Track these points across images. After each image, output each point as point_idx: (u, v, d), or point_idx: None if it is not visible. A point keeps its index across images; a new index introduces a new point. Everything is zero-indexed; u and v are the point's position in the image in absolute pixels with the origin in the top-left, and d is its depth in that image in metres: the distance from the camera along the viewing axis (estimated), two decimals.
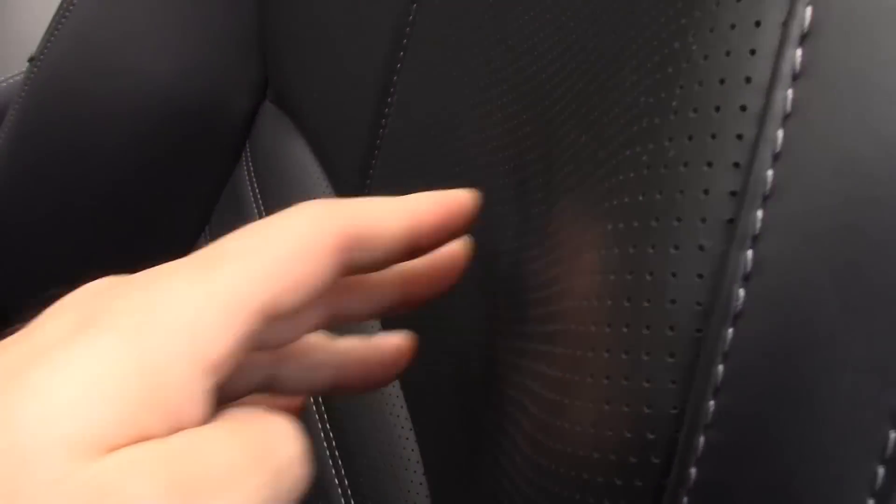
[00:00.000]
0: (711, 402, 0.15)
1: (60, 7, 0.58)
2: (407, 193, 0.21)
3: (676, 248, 0.16)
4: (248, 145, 0.59)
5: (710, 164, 0.16)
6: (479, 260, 0.24)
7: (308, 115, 0.50)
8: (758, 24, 0.16)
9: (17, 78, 0.64)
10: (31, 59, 0.60)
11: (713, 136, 0.16)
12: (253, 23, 0.56)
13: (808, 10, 0.16)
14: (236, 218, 0.57)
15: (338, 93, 0.45)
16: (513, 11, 0.27)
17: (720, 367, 0.15)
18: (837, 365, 0.15)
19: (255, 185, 0.55)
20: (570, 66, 0.22)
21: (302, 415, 0.24)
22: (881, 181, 0.15)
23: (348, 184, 0.43)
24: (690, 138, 0.17)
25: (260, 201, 0.54)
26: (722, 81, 0.16)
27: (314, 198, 0.49)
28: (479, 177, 0.27)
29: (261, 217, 0.55)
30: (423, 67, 0.36)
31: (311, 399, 0.41)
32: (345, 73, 0.44)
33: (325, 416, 0.40)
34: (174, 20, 0.56)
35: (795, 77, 0.15)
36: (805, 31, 0.16)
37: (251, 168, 0.57)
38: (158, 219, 0.61)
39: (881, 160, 0.15)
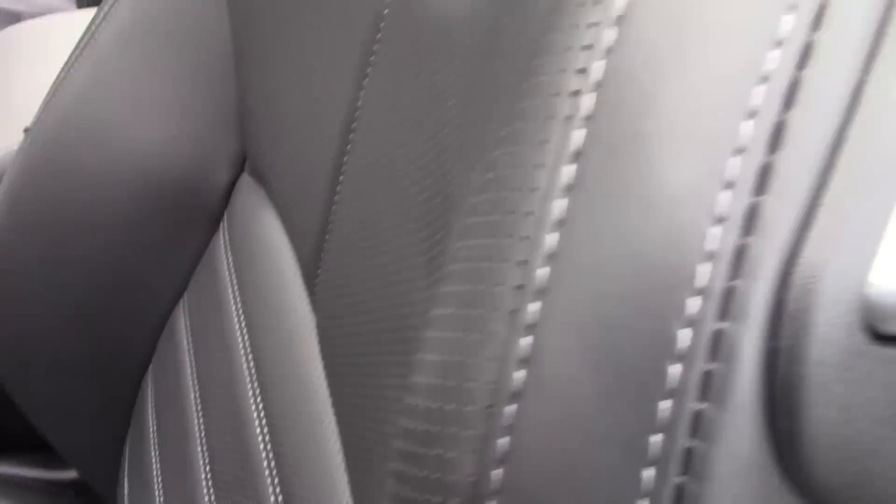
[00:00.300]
0: (498, 471, 0.17)
1: (56, 80, 0.61)
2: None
3: (479, 333, 0.18)
4: (225, 215, 0.61)
5: (505, 261, 0.18)
6: None
7: (276, 187, 0.52)
8: (544, 142, 0.18)
9: (14, 148, 0.67)
10: (26, 130, 0.63)
11: (509, 236, 0.18)
12: (233, 98, 0.58)
13: (582, 133, 0.17)
14: (211, 285, 0.58)
15: (299, 166, 0.47)
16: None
17: (506, 440, 0.17)
18: (595, 442, 0.16)
19: (229, 254, 0.57)
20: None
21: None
22: (628, 281, 0.16)
23: (306, 259, 0.44)
24: (493, 237, 0.18)
25: (232, 270, 0.56)
26: (518, 189, 0.18)
27: (279, 269, 0.51)
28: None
29: (232, 286, 0.57)
30: (369, 154, 0.38)
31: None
32: (303, 149, 0.45)
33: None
34: (161, 95, 0.59)
35: (569, 189, 0.17)
36: (578, 150, 0.17)
37: (227, 237, 0.59)
38: (139, 285, 0.62)
39: (629, 263, 0.16)
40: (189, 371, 0.59)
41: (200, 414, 0.56)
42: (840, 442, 0.16)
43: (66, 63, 0.59)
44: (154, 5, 0.56)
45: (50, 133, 0.59)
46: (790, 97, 0.16)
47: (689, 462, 0.16)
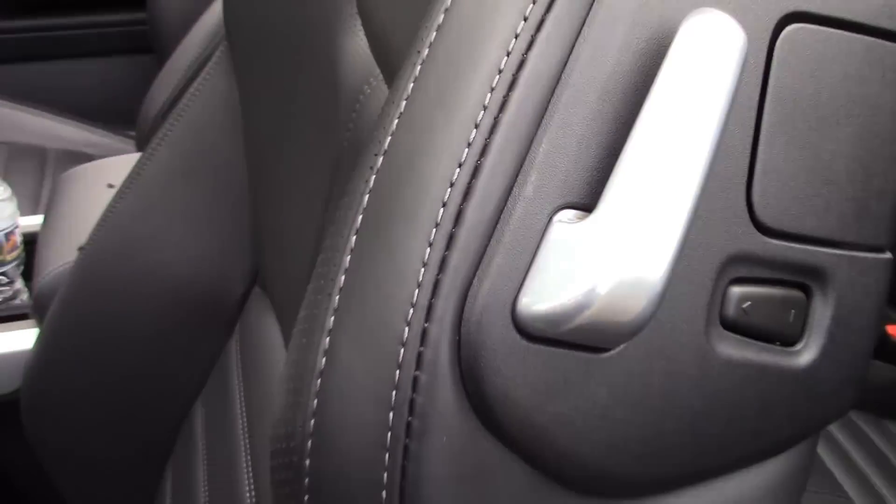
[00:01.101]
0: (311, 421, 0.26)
1: (108, 206, 0.73)
2: None
3: (308, 340, 0.28)
4: (239, 323, 0.71)
5: (322, 296, 0.28)
6: None
7: (275, 295, 0.62)
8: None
9: (69, 265, 0.79)
10: (80, 248, 0.75)
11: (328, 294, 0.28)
12: (247, 222, 0.70)
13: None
14: (224, 382, 0.68)
15: (290, 276, 0.57)
16: None
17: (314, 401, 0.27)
18: (362, 399, 0.27)
19: (239, 357, 0.67)
20: None
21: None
22: (379, 307, 0.26)
23: None
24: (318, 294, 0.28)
25: (240, 370, 0.66)
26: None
27: (274, 364, 0.61)
28: None
29: (239, 381, 0.67)
30: None
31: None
32: (293, 262, 0.56)
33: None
34: (189, 221, 0.71)
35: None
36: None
37: (238, 342, 0.69)
38: (164, 382, 0.72)
39: (378, 303, 0.27)
40: (201, 462, 0.68)
41: (206, 494, 0.64)
42: (512, 402, 0.25)
43: (117, 193, 0.72)
44: (188, 148, 0.69)
45: (97, 251, 0.71)
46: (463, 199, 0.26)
47: (413, 408, 0.25)
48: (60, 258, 0.81)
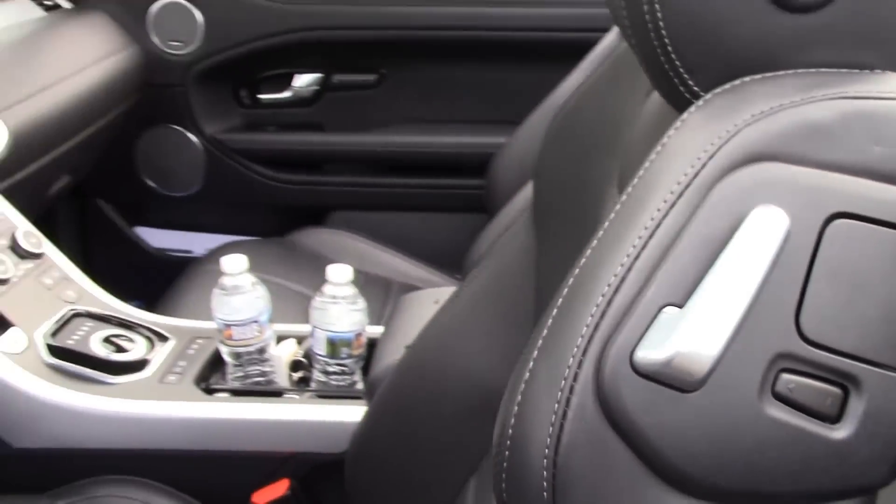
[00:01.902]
0: None
1: (432, 318, 0.96)
2: None
3: None
4: None
5: None
6: None
7: None
8: None
9: (397, 360, 1.02)
10: (407, 347, 0.99)
11: None
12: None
13: None
14: None
15: None
16: None
17: None
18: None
19: None
20: None
21: None
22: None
23: None
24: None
25: None
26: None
27: None
28: None
29: None
30: None
31: None
32: None
33: None
34: (491, 334, 0.91)
35: None
36: None
37: None
38: (458, 457, 0.91)
39: None
40: None
41: None
42: (628, 413, 0.41)
43: (440, 308, 0.95)
44: (493, 280, 0.91)
45: (420, 349, 0.94)
46: None
47: (566, 417, 0.42)
48: (391, 356, 1.05)
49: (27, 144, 1.33)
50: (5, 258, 1.19)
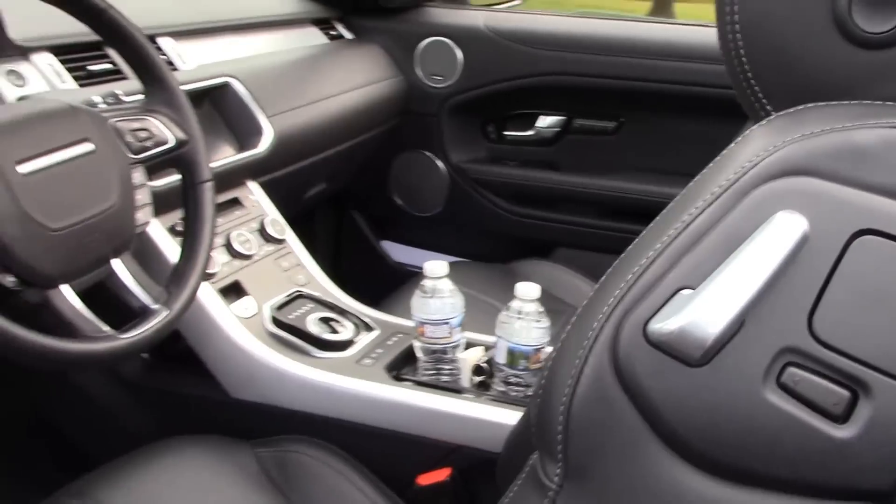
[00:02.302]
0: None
1: None
2: None
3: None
4: None
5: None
6: None
7: None
8: None
9: None
10: None
11: None
12: None
13: None
14: None
15: None
16: None
17: None
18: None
19: None
20: None
21: None
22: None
23: None
24: None
25: None
26: None
27: None
28: None
29: None
30: None
31: None
32: None
33: None
34: None
35: None
36: None
37: None
38: None
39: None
40: None
41: None
42: (637, 375, 0.44)
43: None
44: None
45: None
46: None
47: (582, 372, 0.46)
48: None
49: (289, 147, 1.54)
50: (252, 239, 1.39)
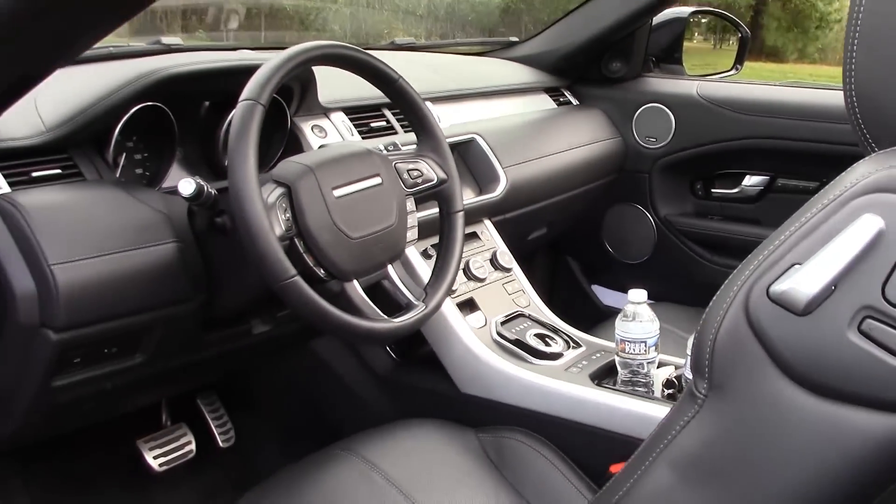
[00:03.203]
0: None
1: None
2: None
3: None
4: None
5: None
6: None
7: None
8: None
9: None
10: None
11: None
12: None
13: None
14: None
15: None
16: None
17: None
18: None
19: None
20: None
21: None
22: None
23: None
24: None
25: None
26: None
27: None
28: None
29: None
30: None
31: None
32: None
33: None
34: None
35: None
36: None
37: None
38: None
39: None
40: None
41: None
42: (763, 324, 0.67)
43: None
44: None
45: None
46: None
47: (721, 325, 0.69)
48: None
49: (519, 193, 1.84)
50: (485, 266, 1.69)
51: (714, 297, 0.75)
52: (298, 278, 1.09)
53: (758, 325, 0.69)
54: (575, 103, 2.30)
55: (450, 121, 1.83)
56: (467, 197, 1.75)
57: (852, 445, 0.67)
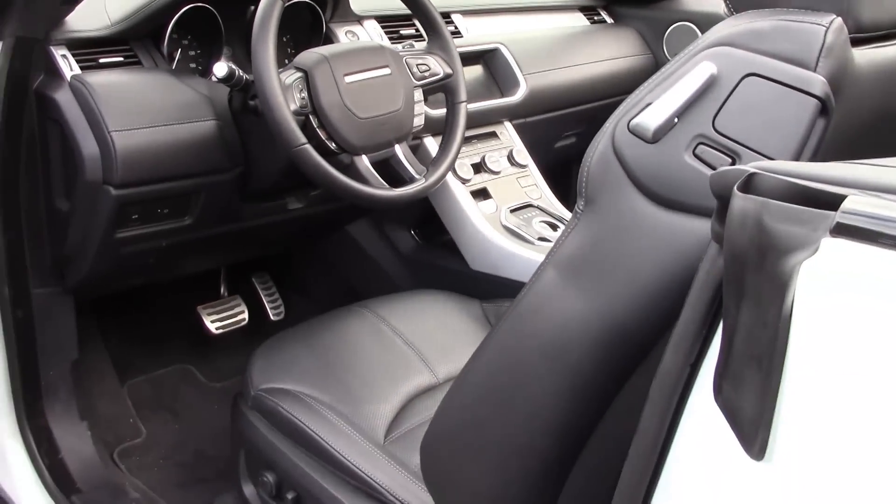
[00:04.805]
0: None
1: None
2: None
3: None
4: None
5: None
6: None
7: None
8: None
9: None
10: None
11: None
12: None
13: None
14: None
15: None
16: None
17: None
18: None
19: None
20: None
21: None
22: None
23: None
24: None
25: None
26: None
27: None
28: None
29: None
30: None
31: None
32: None
33: None
34: None
35: None
36: None
37: None
38: None
39: None
40: None
41: None
42: (609, 148, 0.85)
43: None
44: None
45: None
46: None
47: (598, 144, 0.87)
48: None
49: (540, 99, 2.01)
50: (502, 161, 1.88)
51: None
52: (308, 146, 1.31)
53: (620, 152, 0.87)
54: (609, 22, 2.44)
55: (479, 32, 2.01)
56: (490, 99, 1.93)
57: (686, 245, 0.84)
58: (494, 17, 2.11)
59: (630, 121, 0.87)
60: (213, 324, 1.94)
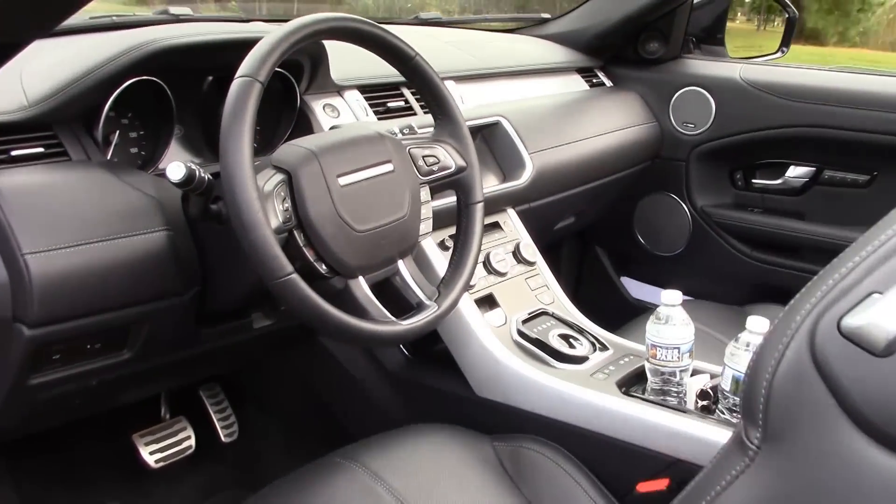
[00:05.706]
0: None
1: None
2: None
3: None
4: None
5: None
6: None
7: None
8: None
9: None
10: None
11: None
12: None
13: None
14: None
15: None
16: None
17: None
18: None
19: None
20: None
21: None
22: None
23: None
24: None
25: None
26: None
27: None
28: None
29: None
30: None
31: None
32: None
33: None
34: None
35: None
36: None
37: None
38: None
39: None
40: None
41: None
42: (830, 363, 0.55)
43: None
44: None
45: None
46: None
47: (784, 355, 0.57)
48: None
49: (546, 181, 1.72)
50: (507, 259, 1.57)
51: (770, 328, 0.64)
52: (295, 276, 0.98)
53: (826, 366, 0.58)
54: (609, 85, 2.17)
55: (474, 102, 1.71)
56: (490, 184, 1.63)
57: None
58: (490, 82, 1.82)
59: (842, 318, 0.58)
60: (151, 455, 1.58)
